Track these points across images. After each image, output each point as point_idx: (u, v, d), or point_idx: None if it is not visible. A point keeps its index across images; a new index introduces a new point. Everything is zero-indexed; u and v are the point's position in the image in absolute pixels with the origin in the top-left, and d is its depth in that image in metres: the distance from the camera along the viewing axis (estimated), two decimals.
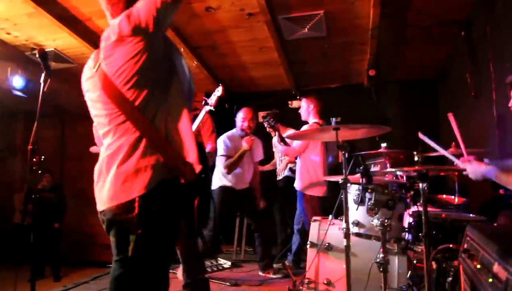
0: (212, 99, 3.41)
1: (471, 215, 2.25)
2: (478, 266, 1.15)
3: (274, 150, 4.97)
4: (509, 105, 2.42)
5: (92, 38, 4.87)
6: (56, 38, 4.87)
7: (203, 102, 3.46)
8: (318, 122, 4.19)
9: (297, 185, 4.25)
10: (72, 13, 4.37)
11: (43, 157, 2.46)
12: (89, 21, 4.56)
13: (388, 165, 3.33)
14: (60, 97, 5.96)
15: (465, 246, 1.32)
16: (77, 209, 6.56)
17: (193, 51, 5.33)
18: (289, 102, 6.70)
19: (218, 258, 5.13)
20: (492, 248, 1.07)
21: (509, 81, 2.41)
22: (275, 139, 4.61)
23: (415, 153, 2.05)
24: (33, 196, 3.23)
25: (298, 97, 6.60)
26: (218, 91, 3.42)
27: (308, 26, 4.71)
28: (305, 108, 4.35)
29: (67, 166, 7.34)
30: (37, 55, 2.46)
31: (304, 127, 4.14)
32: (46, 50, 4.97)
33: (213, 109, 3.46)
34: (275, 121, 4.47)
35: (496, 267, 1.01)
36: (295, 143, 4.30)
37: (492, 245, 1.08)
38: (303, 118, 4.40)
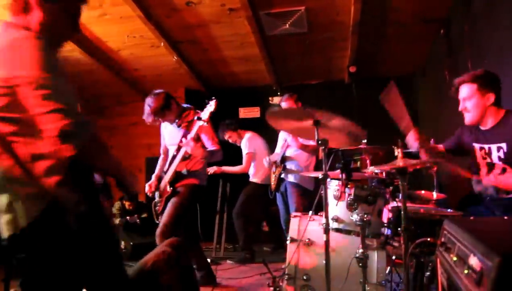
0: (205, 114, 3.25)
1: (449, 210, 2.27)
2: (455, 259, 1.15)
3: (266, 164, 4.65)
4: (459, 109, 2.47)
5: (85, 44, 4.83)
6: None
7: (196, 117, 3.33)
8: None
9: (295, 176, 4.23)
10: None
11: None
12: None
13: (368, 161, 3.35)
14: None
15: (442, 239, 1.33)
16: None
17: (173, 46, 5.27)
18: (270, 98, 6.69)
19: None
20: (467, 240, 1.08)
21: (455, 84, 2.46)
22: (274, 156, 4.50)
23: (395, 147, 2.05)
24: None
25: (278, 93, 6.59)
26: (211, 106, 3.25)
27: (289, 22, 4.70)
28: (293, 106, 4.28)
29: None
30: None
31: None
32: None
33: (206, 125, 3.33)
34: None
35: (471, 259, 1.02)
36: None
37: (467, 237, 1.08)
38: None
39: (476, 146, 2.48)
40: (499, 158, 2.33)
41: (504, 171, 2.17)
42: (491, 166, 2.34)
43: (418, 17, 4.64)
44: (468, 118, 2.45)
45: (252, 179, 5.09)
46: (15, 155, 1.42)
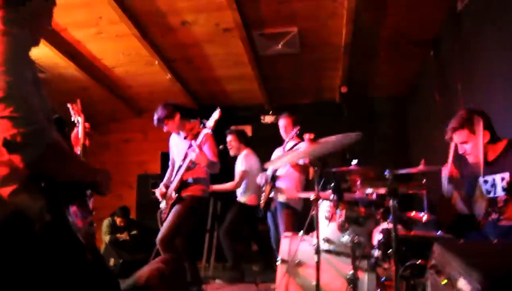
0: (211, 122, 3.52)
1: (439, 232, 2.29)
2: (444, 282, 1.17)
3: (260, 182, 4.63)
4: (460, 153, 2.50)
5: (66, 49, 4.81)
6: None
7: (202, 124, 3.60)
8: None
9: (284, 196, 4.22)
10: None
11: None
12: (64, 31, 4.48)
13: (358, 182, 3.37)
14: None
15: (433, 262, 1.34)
16: None
17: (168, 64, 5.31)
18: (262, 117, 6.72)
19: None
20: (457, 263, 1.09)
21: (448, 134, 2.50)
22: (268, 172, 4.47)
23: (385, 169, 2.08)
24: None
25: (270, 112, 6.63)
26: (216, 113, 3.53)
27: (282, 43, 4.78)
28: (290, 126, 4.32)
29: None
30: None
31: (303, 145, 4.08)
32: None
33: (211, 133, 3.62)
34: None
35: (460, 282, 1.03)
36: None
37: (457, 260, 1.10)
38: (286, 136, 4.36)
39: (481, 180, 2.48)
40: (503, 188, 2.34)
41: (506, 202, 2.19)
42: (492, 202, 2.35)
43: (408, 38, 4.73)
44: (471, 160, 2.47)
45: (240, 198, 5.07)
46: None
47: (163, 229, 3.48)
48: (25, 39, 1.48)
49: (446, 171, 2.48)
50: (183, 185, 3.62)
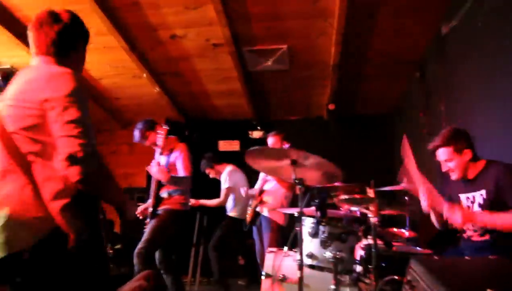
0: (159, 141, 3.61)
1: (418, 248, 2.33)
2: None
3: (243, 194, 4.85)
4: (443, 170, 2.58)
5: None
6: (14, 55, 4.75)
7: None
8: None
9: (268, 211, 4.23)
10: None
11: None
12: None
13: (344, 199, 3.40)
14: None
15: (408, 277, 1.37)
16: None
17: (156, 77, 5.33)
18: (250, 132, 6.76)
19: None
20: (429, 279, 1.12)
21: (431, 150, 2.58)
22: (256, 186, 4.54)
23: (367, 187, 2.11)
24: None
25: (258, 127, 6.68)
26: (162, 132, 3.62)
27: (271, 59, 4.83)
28: (278, 144, 4.34)
29: None
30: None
31: None
32: (1, 66, 4.86)
33: (186, 146, 3.73)
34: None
35: None
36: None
37: (429, 277, 1.13)
38: None
39: (462, 196, 2.56)
40: (479, 204, 2.42)
41: None
42: None
43: (395, 59, 4.84)
44: (455, 176, 2.54)
45: (230, 213, 5.07)
46: (31, 175, 1.51)
47: (139, 245, 3.48)
48: (79, 74, 1.78)
49: (422, 190, 2.53)
50: (158, 200, 3.61)
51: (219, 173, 5.18)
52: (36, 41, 1.73)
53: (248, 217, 4.44)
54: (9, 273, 1.47)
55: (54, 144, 1.50)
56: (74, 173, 1.45)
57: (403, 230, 3.04)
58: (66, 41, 1.74)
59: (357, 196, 2.46)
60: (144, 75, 5.13)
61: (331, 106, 5.89)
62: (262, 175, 4.48)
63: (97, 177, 1.55)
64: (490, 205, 2.33)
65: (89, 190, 1.54)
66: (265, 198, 4.31)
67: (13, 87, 1.63)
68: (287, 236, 2.83)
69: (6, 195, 1.51)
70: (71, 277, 1.52)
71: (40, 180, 1.51)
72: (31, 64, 1.74)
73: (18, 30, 4.20)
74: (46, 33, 1.70)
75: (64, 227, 1.49)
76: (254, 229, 4.51)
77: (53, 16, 1.73)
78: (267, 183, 4.36)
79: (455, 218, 2.25)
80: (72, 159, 1.45)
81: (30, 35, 1.74)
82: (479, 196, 2.42)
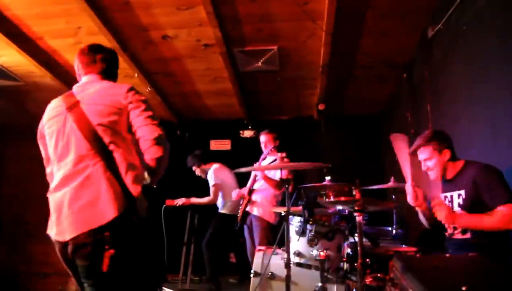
0: None
1: (403, 246, 2.39)
2: None
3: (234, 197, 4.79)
4: (423, 169, 2.66)
5: (42, 57, 4.78)
6: (3, 54, 4.73)
7: None
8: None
9: (259, 210, 4.29)
10: (22, 31, 4.28)
11: None
12: (40, 40, 4.47)
13: (332, 198, 3.46)
14: (2, 115, 5.71)
15: (391, 275, 1.42)
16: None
17: (148, 77, 5.35)
18: (241, 131, 6.81)
19: (163, 287, 5.02)
20: (408, 277, 1.17)
21: (413, 150, 2.66)
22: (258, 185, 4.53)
23: (353, 187, 2.17)
24: None
25: (249, 127, 6.73)
26: None
27: (262, 60, 4.88)
28: (271, 142, 4.42)
29: (5, 189, 6.82)
30: None
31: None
32: None
33: None
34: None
35: None
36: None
37: (408, 274, 1.18)
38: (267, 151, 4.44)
39: (442, 196, 2.63)
40: (459, 204, 2.49)
41: None
42: None
43: (383, 61, 4.90)
44: (433, 175, 2.62)
45: (221, 210, 5.12)
46: (113, 161, 1.86)
47: None
48: None
49: (409, 188, 2.60)
50: None
51: (205, 172, 5.23)
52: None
53: (239, 216, 4.49)
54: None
55: (127, 138, 1.94)
56: (158, 150, 1.88)
57: (390, 228, 3.11)
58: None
59: (342, 198, 2.50)
60: (136, 75, 5.14)
61: (321, 106, 5.95)
62: (252, 174, 4.53)
63: (168, 155, 1.94)
64: (470, 204, 2.40)
65: (160, 164, 1.91)
66: (254, 197, 4.36)
67: (86, 93, 2.15)
68: (277, 234, 2.89)
69: (88, 175, 1.83)
70: (134, 243, 1.85)
71: (122, 166, 1.86)
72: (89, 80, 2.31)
73: (7, 29, 4.19)
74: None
75: (137, 205, 1.83)
76: (245, 228, 4.56)
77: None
78: (257, 182, 4.41)
79: (440, 213, 2.32)
80: (159, 139, 1.89)
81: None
82: (458, 195, 2.49)
